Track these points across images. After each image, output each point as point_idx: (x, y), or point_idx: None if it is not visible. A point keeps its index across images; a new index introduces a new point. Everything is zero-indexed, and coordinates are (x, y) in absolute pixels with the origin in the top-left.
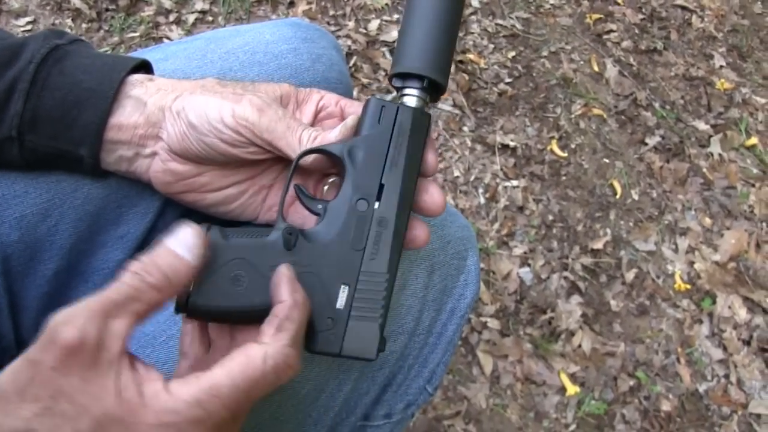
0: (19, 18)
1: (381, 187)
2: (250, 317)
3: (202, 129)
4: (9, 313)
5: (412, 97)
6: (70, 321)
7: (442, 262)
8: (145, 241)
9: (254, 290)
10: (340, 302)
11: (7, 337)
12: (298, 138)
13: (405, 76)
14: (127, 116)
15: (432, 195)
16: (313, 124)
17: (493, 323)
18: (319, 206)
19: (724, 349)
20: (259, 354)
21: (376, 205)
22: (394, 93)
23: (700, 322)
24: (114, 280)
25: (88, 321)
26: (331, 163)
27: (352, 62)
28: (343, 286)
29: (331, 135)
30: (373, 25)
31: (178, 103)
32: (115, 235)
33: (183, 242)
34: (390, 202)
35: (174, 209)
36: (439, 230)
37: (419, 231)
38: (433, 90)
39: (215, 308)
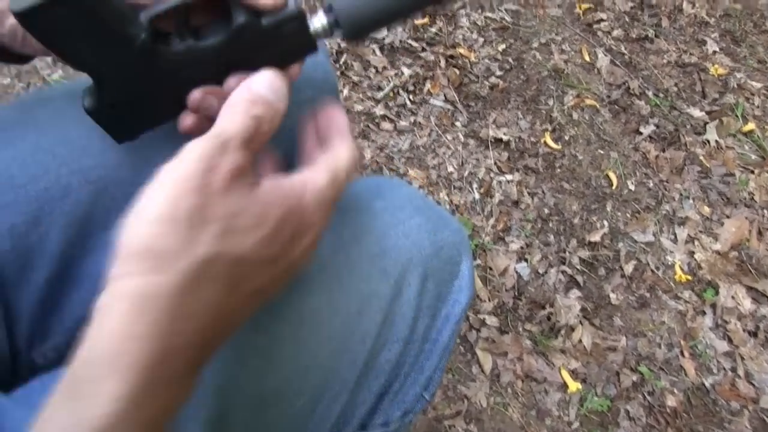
0: None
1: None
2: None
3: None
4: (4, 323)
5: (317, 22)
6: (226, 151)
7: (436, 268)
8: None
9: None
10: None
11: (2, 347)
12: None
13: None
14: None
15: None
16: None
17: (492, 320)
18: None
19: (729, 341)
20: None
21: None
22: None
23: (703, 313)
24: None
25: (239, 151)
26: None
27: (342, 60)
28: None
29: None
30: None
31: None
32: (105, 239)
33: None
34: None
35: None
36: (431, 235)
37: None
38: (347, 30)
39: None
